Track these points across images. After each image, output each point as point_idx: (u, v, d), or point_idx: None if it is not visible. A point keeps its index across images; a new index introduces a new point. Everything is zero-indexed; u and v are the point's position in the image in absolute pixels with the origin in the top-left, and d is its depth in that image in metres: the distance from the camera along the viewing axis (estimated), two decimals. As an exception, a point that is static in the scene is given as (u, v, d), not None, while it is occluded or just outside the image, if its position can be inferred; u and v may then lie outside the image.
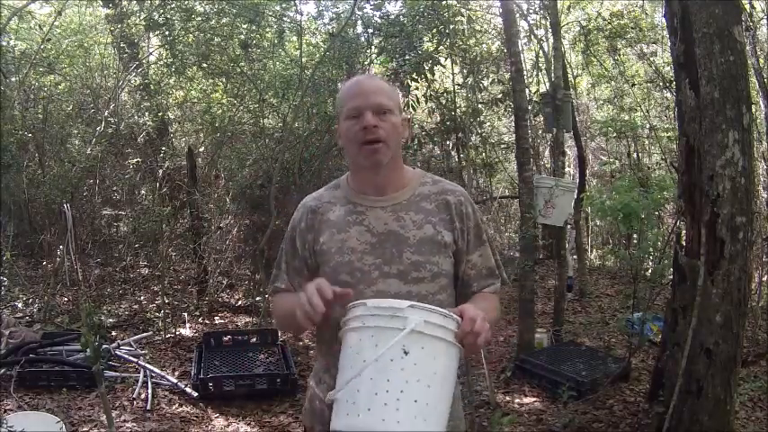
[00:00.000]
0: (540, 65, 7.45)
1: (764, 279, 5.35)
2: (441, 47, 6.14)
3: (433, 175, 1.59)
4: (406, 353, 1.18)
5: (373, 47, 6.19)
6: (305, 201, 1.59)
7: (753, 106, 3.30)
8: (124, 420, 3.50)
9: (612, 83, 8.23)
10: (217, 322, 5.35)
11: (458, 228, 1.50)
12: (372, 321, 1.23)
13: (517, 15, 5.68)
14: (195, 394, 3.82)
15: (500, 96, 6.66)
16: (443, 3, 6.00)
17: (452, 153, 6.72)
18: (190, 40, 6.20)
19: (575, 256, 6.72)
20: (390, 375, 1.18)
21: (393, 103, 1.46)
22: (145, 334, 4.78)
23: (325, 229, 1.50)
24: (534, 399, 3.97)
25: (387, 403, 1.17)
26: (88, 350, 2.27)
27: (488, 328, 1.27)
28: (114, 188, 6.82)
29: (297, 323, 1.34)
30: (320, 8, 6.71)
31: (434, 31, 6.05)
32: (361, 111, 1.42)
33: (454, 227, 1.49)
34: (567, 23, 7.48)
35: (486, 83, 7.04)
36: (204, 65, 6.33)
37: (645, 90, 8.15)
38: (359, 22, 6.06)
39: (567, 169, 7.45)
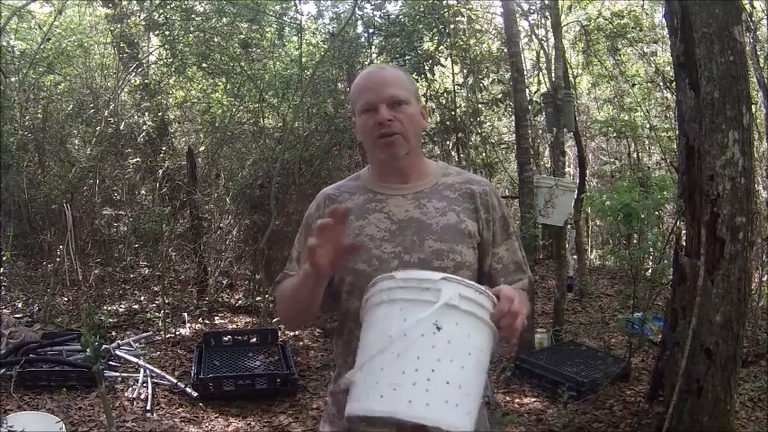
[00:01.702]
0: (541, 65, 7.46)
1: (764, 279, 5.35)
2: (441, 47, 6.15)
3: (456, 168, 1.54)
4: (438, 328, 1.05)
5: (373, 47, 6.20)
6: (324, 190, 1.53)
7: (753, 106, 3.30)
8: (124, 420, 3.50)
9: (612, 83, 8.24)
10: (217, 322, 5.35)
11: (482, 218, 1.43)
12: (401, 294, 1.10)
13: (518, 15, 5.68)
14: (195, 394, 3.82)
15: (500, 96, 6.66)
16: (444, 2, 6.00)
17: (452, 153, 6.72)
18: (190, 39, 6.20)
19: (575, 256, 6.72)
20: (420, 352, 1.04)
21: (408, 93, 1.40)
22: (145, 334, 4.78)
23: None
24: (534, 399, 3.97)
25: (416, 383, 1.03)
26: (88, 350, 2.27)
27: (525, 313, 1.17)
28: (114, 188, 6.82)
29: (304, 289, 1.27)
30: (320, 8, 6.73)
31: (434, 30, 6.05)
32: (375, 105, 1.37)
33: (479, 216, 1.43)
34: (568, 23, 7.48)
35: (486, 83, 7.05)
36: (204, 65, 6.33)
37: (645, 90, 8.16)
38: (359, 21, 6.07)
39: (567, 169, 7.45)
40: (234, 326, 5.26)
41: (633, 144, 8.33)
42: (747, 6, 5.20)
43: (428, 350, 1.05)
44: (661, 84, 7.51)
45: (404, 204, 1.41)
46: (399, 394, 1.03)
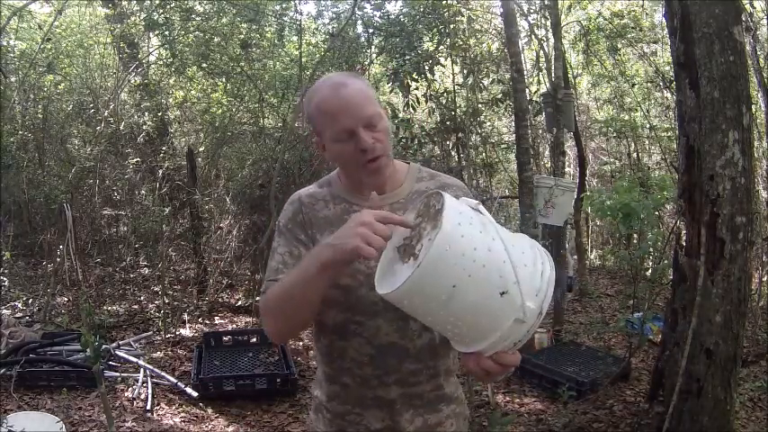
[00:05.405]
0: (541, 65, 7.45)
1: (764, 279, 5.35)
2: (441, 47, 6.14)
3: (429, 169, 1.50)
4: (502, 294, 1.06)
5: (373, 47, 6.19)
6: (299, 194, 1.46)
7: (753, 106, 3.30)
8: (124, 420, 3.50)
9: (612, 83, 8.23)
10: (217, 322, 5.35)
11: None
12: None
13: (517, 15, 5.68)
14: (195, 394, 3.82)
15: (500, 96, 6.65)
16: (443, 2, 6.00)
17: (452, 153, 6.72)
18: (190, 40, 6.20)
19: (575, 256, 6.72)
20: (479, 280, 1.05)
21: (376, 105, 1.33)
22: (145, 334, 4.78)
23: (323, 226, 1.39)
24: (534, 399, 3.97)
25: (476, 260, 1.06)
26: (88, 350, 2.27)
27: (499, 375, 1.18)
28: (114, 188, 6.82)
29: (308, 286, 1.21)
30: (320, 8, 6.73)
31: (434, 30, 6.05)
32: (353, 130, 1.28)
33: None
34: (568, 23, 7.48)
35: (486, 83, 7.04)
36: (204, 65, 6.33)
37: (645, 90, 8.16)
38: (359, 21, 6.07)
39: (567, 169, 7.43)
40: (234, 326, 5.26)
41: (633, 144, 8.32)
42: (747, 6, 5.20)
43: (483, 288, 1.06)
44: (661, 84, 7.51)
45: None
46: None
